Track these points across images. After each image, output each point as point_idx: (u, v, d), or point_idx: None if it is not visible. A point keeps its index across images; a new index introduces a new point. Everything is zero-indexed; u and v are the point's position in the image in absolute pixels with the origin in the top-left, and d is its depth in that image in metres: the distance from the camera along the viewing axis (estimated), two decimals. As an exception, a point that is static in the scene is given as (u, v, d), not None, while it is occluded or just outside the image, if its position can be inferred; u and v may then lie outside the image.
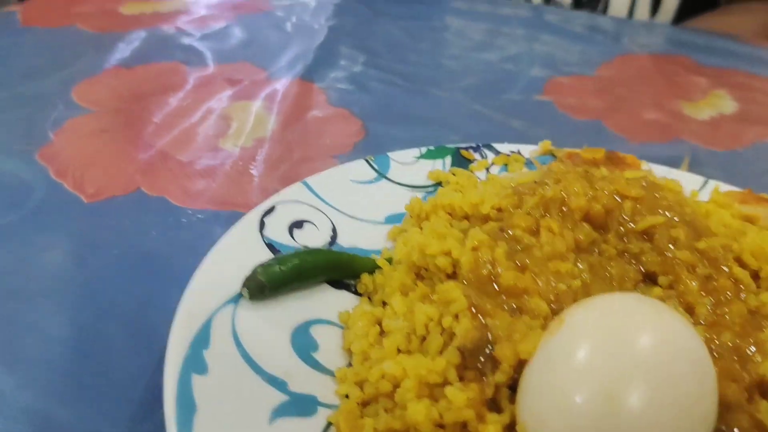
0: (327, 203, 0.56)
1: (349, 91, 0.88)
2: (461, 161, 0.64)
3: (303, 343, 0.45)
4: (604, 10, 1.34)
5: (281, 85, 0.88)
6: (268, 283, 0.46)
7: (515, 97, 0.91)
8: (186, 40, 1.00)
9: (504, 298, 0.43)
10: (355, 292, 0.51)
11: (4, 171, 0.66)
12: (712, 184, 0.64)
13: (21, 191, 0.63)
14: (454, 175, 0.62)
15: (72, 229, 0.59)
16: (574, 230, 0.47)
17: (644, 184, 0.50)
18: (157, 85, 0.86)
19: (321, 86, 0.89)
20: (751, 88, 0.98)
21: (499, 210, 0.51)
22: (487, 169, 0.64)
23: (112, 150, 0.71)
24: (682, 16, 1.31)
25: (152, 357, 0.47)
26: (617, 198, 0.49)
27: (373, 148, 0.75)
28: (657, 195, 0.50)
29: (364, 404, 0.42)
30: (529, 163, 0.65)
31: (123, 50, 0.95)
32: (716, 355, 0.42)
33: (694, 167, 0.75)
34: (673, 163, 0.72)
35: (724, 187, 0.63)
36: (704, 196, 0.63)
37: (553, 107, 0.88)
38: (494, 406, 0.39)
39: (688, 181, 0.64)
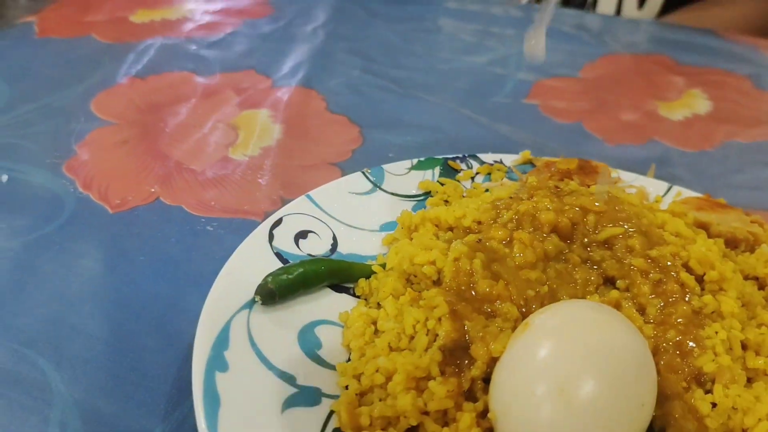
0: (328, 214, 0.63)
1: (346, 98, 0.94)
2: (449, 171, 0.71)
3: (308, 341, 0.52)
4: (594, 4, 1.39)
5: (284, 93, 0.94)
6: (277, 291, 0.53)
7: (503, 101, 0.97)
8: (193, 48, 1.06)
9: (480, 303, 0.51)
10: (354, 295, 0.58)
11: (36, 184, 0.73)
12: (675, 189, 0.70)
13: (53, 203, 0.70)
14: (442, 185, 0.69)
15: (101, 237, 0.66)
16: (543, 241, 0.54)
17: (606, 197, 0.57)
18: (169, 96, 0.93)
19: (321, 93, 0.95)
20: (725, 86, 1.05)
21: (479, 223, 0.58)
22: (472, 179, 0.71)
23: (132, 161, 0.78)
24: (669, 7, 1.36)
25: (178, 353, 0.55)
26: (582, 212, 0.56)
27: (370, 154, 0.82)
28: (617, 208, 0.57)
29: (362, 394, 0.49)
30: (510, 172, 0.72)
31: (136, 61, 1.01)
32: (662, 350, 0.50)
33: (665, 168, 0.82)
34: (646, 164, 0.79)
35: (686, 192, 0.70)
36: (669, 200, 0.70)
37: (537, 111, 0.95)
38: (470, 396, 0.47)
39: (654, 187, 0.71)
